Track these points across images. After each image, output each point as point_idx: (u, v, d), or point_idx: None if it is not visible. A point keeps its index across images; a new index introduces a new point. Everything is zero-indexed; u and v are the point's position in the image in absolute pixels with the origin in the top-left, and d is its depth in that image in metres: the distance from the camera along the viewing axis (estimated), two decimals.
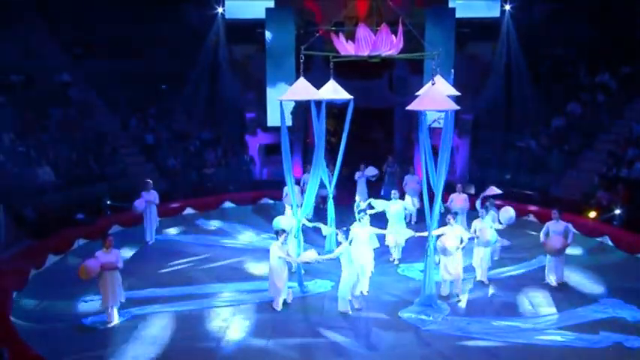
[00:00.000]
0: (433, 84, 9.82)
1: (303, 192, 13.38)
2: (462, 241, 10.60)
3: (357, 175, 16.61)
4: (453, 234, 10.61)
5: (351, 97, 11.75)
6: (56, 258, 12.87)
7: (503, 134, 19.75)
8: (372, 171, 16.37)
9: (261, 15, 20.09)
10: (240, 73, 21.72)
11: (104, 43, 21.09)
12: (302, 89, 10.49)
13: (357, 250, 10.58)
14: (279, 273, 10.21)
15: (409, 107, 9.62)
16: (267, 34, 19.80)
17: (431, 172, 10.23)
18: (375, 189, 16.68)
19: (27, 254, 12.39)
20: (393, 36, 10.26)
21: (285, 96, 10.77)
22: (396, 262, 12.65)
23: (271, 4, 20.57)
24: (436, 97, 9.50)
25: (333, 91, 11.49)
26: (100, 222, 14.64)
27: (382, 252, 12.36)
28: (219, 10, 20.73)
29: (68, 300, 10.69)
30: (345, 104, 12.29)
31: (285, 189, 14.28)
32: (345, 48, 10.73)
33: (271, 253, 10.20)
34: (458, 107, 10.07)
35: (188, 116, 20.64)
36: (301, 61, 10.72)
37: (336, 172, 12.67)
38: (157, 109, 20.32)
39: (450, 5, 20.35)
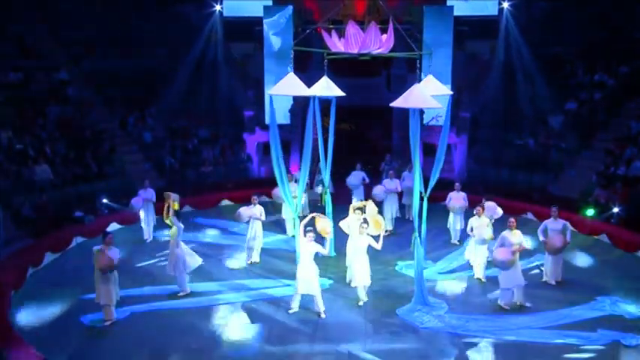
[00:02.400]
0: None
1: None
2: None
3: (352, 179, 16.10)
4: (513, 240, 10.23)
5: (343, 93, 11.72)
6: (54, 256, 12.85)
7: (502, 132, 19.76)
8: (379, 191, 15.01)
9: (260, 13, 20.08)
10: (238, 71, 21.71)
11: (102, 41, 21.06)
12: (291, 84, 10.47)
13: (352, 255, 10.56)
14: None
15: (393, 104, 9.64)
16: (265, 32, 19.81)
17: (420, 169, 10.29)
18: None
19: (25, 252, 12.37)
20: (385, 34, 10.28)
21: (273, 90, 10.75)
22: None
23: (269, 2, 20.56)
24: (420, 95, 9.50)
25: (325, 87, 11.49)
26: (98, 220, 14.64)
27: (378, 254, 12.30)
28: (218, 8, 20.71)
29: (66, 298, 10.69)
30: (339, 101, 12.32)
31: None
32: (336, 45, 10.75)
33: None
34: (441, 106, 10.10)
35: (186, 114, 20.61)
36: (291, 57, 10.77)
37: (328, 169, 12.64)
38: (156, 108, 20.31)
39: (448, 3, 20.35)
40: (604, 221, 14.42)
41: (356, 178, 15.95)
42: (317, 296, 10.02)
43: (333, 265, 12.14)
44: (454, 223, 13.92)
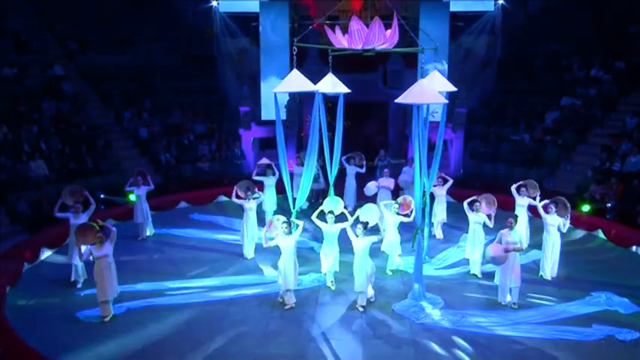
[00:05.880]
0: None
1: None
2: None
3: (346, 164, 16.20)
4: (508, 239, 10.11)
5: (349, 90, 11.71)
6: (50, 252, 12.81)
7: (498, 128, 19.78)
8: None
9: (256, 8, 20.04)
10: (234, 67, 21.68)
11: (98, 36, 20.98)
12: (296, 81, 10.46)
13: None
14: None
15: (397, 100, 9.62)
16: (261, 28, 19.80)
17: (423, 165, 10.23)
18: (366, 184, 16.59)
19: (20, 248, 12.34)
20: (389, 30, 10.26)
21: (278, 88, 10.74)
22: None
23: None
24: (424, 90, 9.49)
25: (331, 84, 11.47)
26: (93, 216, 14.56)
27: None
28: (214, 3, 20.66)
29: (62, 294, 10.69)
30: (337, 97, 12.32)
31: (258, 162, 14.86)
32: (339, 41, 10.74)
33: None
34: (446, 101, 10.09)
35: (182, 110, 20.58)
36: (294, 53, 10.73)
37: (335, 166, 12.65)
38: (152, 103, 20.25)
39: None
40: (599, 216, 14.45)
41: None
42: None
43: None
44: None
